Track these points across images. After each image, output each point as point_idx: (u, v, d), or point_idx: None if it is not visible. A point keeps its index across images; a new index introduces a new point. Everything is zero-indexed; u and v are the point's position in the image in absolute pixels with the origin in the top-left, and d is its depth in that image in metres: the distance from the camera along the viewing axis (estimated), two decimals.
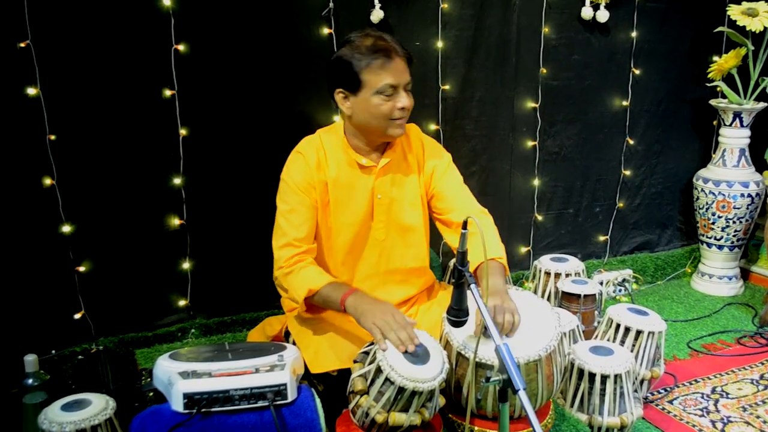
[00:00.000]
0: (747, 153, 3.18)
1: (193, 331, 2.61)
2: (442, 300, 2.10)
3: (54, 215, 2.30)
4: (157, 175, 2.44)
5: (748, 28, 2.95)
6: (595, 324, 2.53)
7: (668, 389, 2.40)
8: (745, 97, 3.12)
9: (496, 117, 2.92)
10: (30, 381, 1.84)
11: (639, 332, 2.22)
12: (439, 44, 2.71)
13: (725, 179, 3.15)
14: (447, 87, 2.78)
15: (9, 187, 2.21)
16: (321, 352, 1.92)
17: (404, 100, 1.94)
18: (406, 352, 1.70)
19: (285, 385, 1.67)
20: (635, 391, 2.17)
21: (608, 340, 2.27)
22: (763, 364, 2.61)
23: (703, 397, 2.37)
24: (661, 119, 3.30)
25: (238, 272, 2.62)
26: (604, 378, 2.03)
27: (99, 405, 1.68)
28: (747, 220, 3.18)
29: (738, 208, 3.14)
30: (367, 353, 1.76)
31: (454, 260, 1.94)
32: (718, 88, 3.20)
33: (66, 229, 2.32)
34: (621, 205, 3.32)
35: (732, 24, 3.04)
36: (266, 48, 2.46)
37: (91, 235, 2.37)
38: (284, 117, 2.54)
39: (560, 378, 1.90)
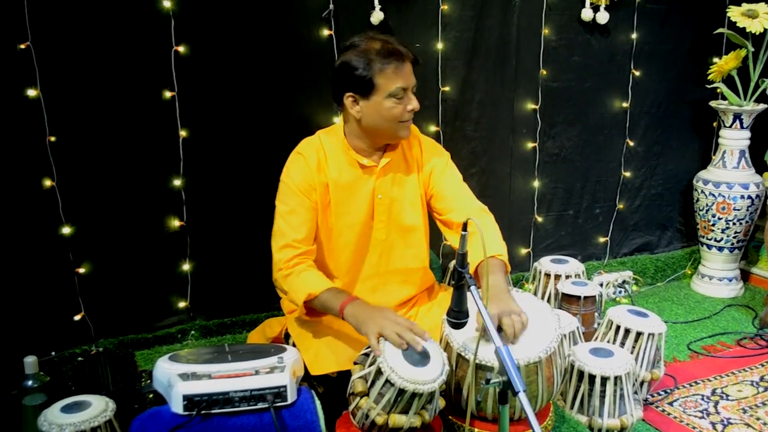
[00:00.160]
0: (747, 154, 3.18)
1: (193, 332, 2.61)
2: (443, 301, 2.10)
3: (54, 217, 2.30)
4: (157, 176, 2.44)
5: (748, 30, 2.95)
6: (595, 326, 2.53)
7: (668, 391, 2.40)
8: (745, 99, 3.12)
9: (496, 119, 2.92)
10: (30, 383, 1.84)
11: (639, 334, 2.22)
12: (439, 46, 2.71)
13: (725, 181, 3.15)
14: (447, 88, 2.78)
15: (9, 188, 2.21)
16: (321, 353, 1.92)
17: (414, 102, 1.97)
18: (406, 351, 1.70)
19: (285, 386, 1.67)
20: (635, 392, 2.17)
21: (608, 341, 2.27)
22: (763, 365, 2.61)
23: (703, 399, 2.36)
24: (661, 121, 3.30)
25: (238, 274, 2.62)
26: (604, 380, 2.03)
27: (99, 407, 1.68)
28: (747, 222, 3.18)
29: (738, 210, 3.14)
30: (367, 355, 1.76)
31: (453, 262, 1.94)
32: (718, 90, 3.20)
33: (66, 230, 2.32)
34: (621, 206, 3.32)
35: (732, 25, 3.04)
36: (266, 49, 2.46)
37: (91, 236, 2.37)
38: (284, 118, 2.54)
39: (560, 380, 1.90)
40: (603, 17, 2.94)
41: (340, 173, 2.03)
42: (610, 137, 3.21)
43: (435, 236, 2.23)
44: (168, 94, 2.37)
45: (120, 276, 2.45)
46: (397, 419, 1.67)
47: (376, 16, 2.54)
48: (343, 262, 2.08)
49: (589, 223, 3.29)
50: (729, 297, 3.26)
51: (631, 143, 3.24)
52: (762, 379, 2.51)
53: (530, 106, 2.98)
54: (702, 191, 3.22)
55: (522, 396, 1.34)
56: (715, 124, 3.40)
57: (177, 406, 1.63)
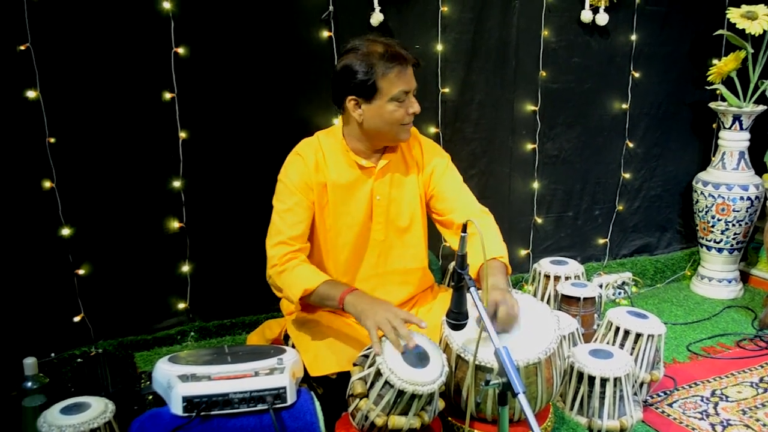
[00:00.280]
0: (746, 156, 3.18)
1: (192, 334, 2.61)
2: (443, 302, 2.10)
3: (53, 218, 2.30)
4: (157, 178, 2.44)
5: (747, 31, 2.95)
6: (595, 327, 2.53)
7: (668, 392, 2.40)
8: (744, 100, 3.12)
9: (495, 120, 2.92)
10: (29, 384, 1.84)
11: (638, 335, 2.22)
12: (439, 47, 2.71)
13: (725, 182, 3.15)
14: (447, 90, 2.78)
15: (9, 190, 2.22)
16: (320, 355, 1.92)
17: (416, 105, 1.98)
18: (405, 353, 1.70)
19: (284, 388, 1.67)
20: (635, 394, 2.17)
21: (608, 343, 2.27)
22: (762, 367, 2.61)
23: (702, 400, 2.36)
24: (660, 122, 3.30)
25: (238, 275, 2.62)
26: (604, 381, 2.03)
27: (98, 408, 1.67)
28: (746, 223, 3.19)
29: (737, 211, 3.14)
30: (366, 356, 1.76)
31: (453, 263, 1.94)
32: (718, 91, 3.21)
33: (65, 232, 2.32)
34: (620, 208, 3.32)
35: (731, 27, 3.04)
36: (266, 51, 2.47)
37: (90, 238, 2.37)
38: (284, 120, 2.54)
39: (560, 381, 1.90)
40: (602, 19, 2.94)
41: (338, 174, 2.04)
42: (610, 139, 3.21)
43: (435, 238, 2.23)
44: (168, 96, 2.37)
45: (119, 277, 2.45)
46: (397, 421, 1.67)
47: (376, 18, 2.54)
48: (341, 262, 2.09)
49: (588, 225, 3.29)
50: (728, 298, 3.26)
51: (631, 145, 3.25)
52: (761, 380, 2.50)
53: (530, 107, 2.98)
54: (701, 192, 3.22)
55: (521, 397, 1.34)
56: (714, 125, 3.40)
57: (176, 408, 1.63)
